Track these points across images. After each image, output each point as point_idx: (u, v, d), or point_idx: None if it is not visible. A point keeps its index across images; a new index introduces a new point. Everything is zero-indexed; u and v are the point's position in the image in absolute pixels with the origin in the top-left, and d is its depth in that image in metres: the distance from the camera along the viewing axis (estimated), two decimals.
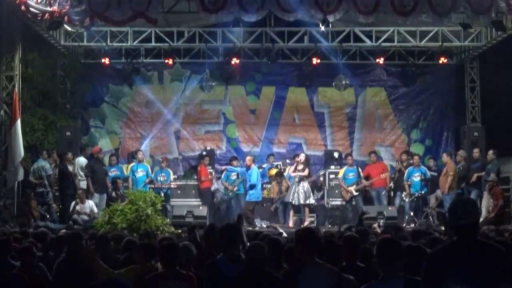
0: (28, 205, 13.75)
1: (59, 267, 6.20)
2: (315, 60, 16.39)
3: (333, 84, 16.99)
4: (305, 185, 14.55)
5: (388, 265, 4.09)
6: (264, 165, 15.91)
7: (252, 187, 14.71)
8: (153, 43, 16.66)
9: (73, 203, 13.62)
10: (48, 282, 6.13)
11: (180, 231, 10.94)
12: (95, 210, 13.59)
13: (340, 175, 15.29)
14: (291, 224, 14.59)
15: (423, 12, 13.11)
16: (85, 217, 13.38)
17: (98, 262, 5.81)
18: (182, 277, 5.31)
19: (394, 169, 16.06)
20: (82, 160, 14.60)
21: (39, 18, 13.16)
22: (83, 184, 14.31)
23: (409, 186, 14.71)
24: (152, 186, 14.76)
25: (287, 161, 16.20)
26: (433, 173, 15.20)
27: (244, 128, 18.07)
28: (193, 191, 15.80)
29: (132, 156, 16.19)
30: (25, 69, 15.16)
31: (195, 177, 16.09)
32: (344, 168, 15.35)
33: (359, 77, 17.72)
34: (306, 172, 14.67)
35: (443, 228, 10.85)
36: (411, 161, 15.06)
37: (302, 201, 14.44)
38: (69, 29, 16.04)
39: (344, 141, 18.00)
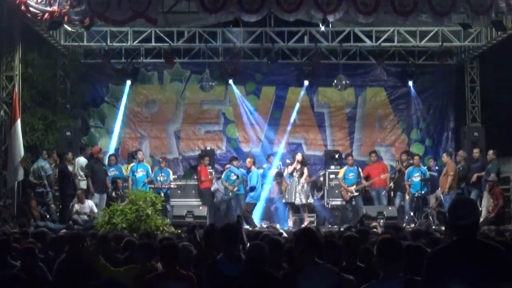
0: (28, 205, 13.75)
1: (60, 267, 6.20)
2: (315, 60, 16.38)
3: (333, 84, 16.99)
4: (305, 184, 14.60)
5: (388, 265, 4.09)
6: (265, 165, 15.90)
7: (252, 189, 14.69)
8: (153, 43, 16.66)
9: (71, 203, 13.62)
10: (48, 282, 6.12)
11: (179, 231, 10.94)
12: (95, 210, 13.59)
13: (340, 175, 15.29)
14: (291, 224, 14.60)
15: (423, 12, 13.11)
16: (85, 217, 13.38)
17: (100, 260, 5.82)
18: (182, 277, 5.31)
19: (394, 169, 16.07)
20: (82, 160, 14.60)
21: (39, 18, 13.15)
22: (83, 184, 14.31)
23: (409, 186, 14.71)
24: (152, 186, 14.75)
25: (287, 160, 16.20)
26: (433, 173, 15.20)
27: (244, 128, 18.06)
28: (193, 191, 15.79)
29: (132, 156, 16.19)
30: (25, 69, 15.16)
31: (195, 177, 16.08)
32: (344, 168, 15.35)
33: (359, 77, 17.71)
34: (306, 172, 14.71)
35: (443, 228, 10.86)
36: (411, 161, 15.07)
37: (304, 201, 14.52)
38: (69, 29, 16.03)
39: (344, 141, 18.00)
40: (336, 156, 16.39)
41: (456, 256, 3.50)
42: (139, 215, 11.53)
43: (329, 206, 15.84)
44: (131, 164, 15.47)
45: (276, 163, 16.10)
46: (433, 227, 12.87)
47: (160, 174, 15.02)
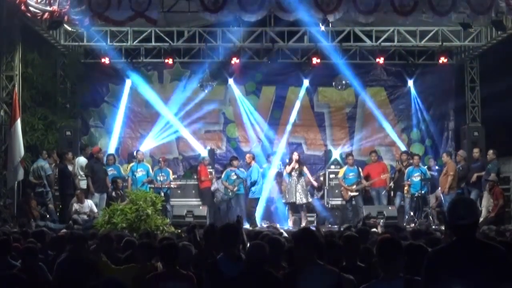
0: (28, 205, 13.75)
1: (61, 267, 6.21)
2: (315, 60, 16.39)
3: (333, 84, 16.97)
4: (303, 183, 14.68)
5: (388, 264, 4.09)
6: (265, 165, 15.90)
7: (253, 184, 14.72)
8: (153, 43, 16.66)
9: (70, 203, 13.63)
10: (48, 282, 6.13)
11: (180, 231, 10.94)
12: (95, 209, 13.59)
13: (340, 175, 15.29)
14: (291, 224, 14.61)
15: (423, 12, 13.10)
16: (85, 217, 13.39)
17: (102, 258, 5.83)
18: (182, 277, 5.31)
19: (394, 169, 16.06)
20: (82, 160, 14.60)
21: (39, 17, 13.16)
22: (83, 184, 14.32)
23: (409, 186, 14.71)
24: (152, 186, 14.75)
25: (286, 160, 16.22)
26: (433, 173, 15.20)
27: (244, 128, 18.06)
28: (193, 191, 15.79)
29: (132, 156, 16.19)
30: (25, 69, 15.16)
31: (195, 177, 16.08)
32: (345, 168, 15.35)
33: (359, 77, 17.71)
34: (308, 172, 14.78)
35: (443, 228, 10.86)
36: (411, 161, 15.07)
37: (304, 200, 14.59)
38: (69, 29, 16.03)
39: (344, 141, 18.00)
40: (336, 156, 16.40)
41: (456, 256, 3.49)
42: (139, 214, 11.54)
43: (329, 206, 15.85)
44: (131, 164, 15.48)
45: (276, 163, 16.11)
46: (433, 227, 12.87)
47: (160, 174, 15.01)
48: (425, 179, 14.53)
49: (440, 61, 16.61)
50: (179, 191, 15.64)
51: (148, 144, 17.56)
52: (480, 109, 17.39)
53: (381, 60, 16.70)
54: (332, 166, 16.21)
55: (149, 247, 5.95)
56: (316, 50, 16.51)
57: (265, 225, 14.49)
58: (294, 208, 14.85)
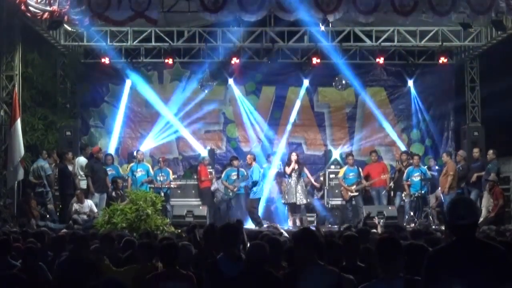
0: (28, 205, 13.75)
1: (62, 266, 6.21)
2: (315, 60, 16.39)
3: (333, 84, 16.97)
4: (303, 184, 14.75)
5: (388, 264, 4.08)
6: (264, 165, 15.90)
7: (255, 184, 14.72)
8: (153, 43, 16.66)
9: (70, 203, 13.63)
10: (48, 282, 6.13)
11: (180, 231, 10.94)
12: (95, 209, 13.59)
13: (340, 175, 15.29)
14: (291, 224, 14.61)
15: (423, 12, 13.10)
16: (85, 217, 13.39)
17: (105, 261, 5.83)
18: (182, 277, 5.31)
19: (394, 169, 16.06)
20: (82, 160, 14.60)
21: (39, 17, 13.15)
22: (83, 184, 14.32)
23: (409, 186, 14.71)
24: (152, 185, 14.75)
25: (287, 160, 16.21)
26: (433, 173, 15.20)
27: (244, 128, 18.06)
28: (193, 191, 15.80)
29: (132, 156, 16.19)
30: (25, 69, 15.16)
31: (195, 177, 16.09)
32: (345, 167, 15.36)
33: (359, 77, 17.70)
34: (308, 173, 14.79)
35: (443, 227, 10.86)
36: (411, 161, 15.07)
37: (304, 201, 14.62)
38: (69, 29, 16.03)
39: (344, 141, 17.99)
40: (336, 156, 16.40)
41: (456, 256, 3.49)
42: (139, 214, 11.54)
43: (329, 206, 15.85)
44: (131, 164, 15.48)
45: (276, 163, 16.11)
46: (433, 227, 12.87)
47: (160, 174, 15.01)
48: (425, 179, 14.53)
49: (440, 61, 16.60)
50: (179, 191, 15.64)
51: (148, 144, 17.56)
52: (480, 109, 17.39)
53: (381, 60, 16.69)
54: (332, 166, 16.21)
55: (150, 247, 5.96)
56: (316, 50, 16.51)
57: (265, 225, 14.50)
58: (294, 208, 14.84)
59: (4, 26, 14.07)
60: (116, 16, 12.80)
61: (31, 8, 12.81)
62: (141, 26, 15.35)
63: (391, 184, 15.36)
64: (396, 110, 18.08)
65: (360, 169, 15.32)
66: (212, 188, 15.70)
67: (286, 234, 9.96)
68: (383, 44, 16.54)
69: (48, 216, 14.17)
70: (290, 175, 14.69)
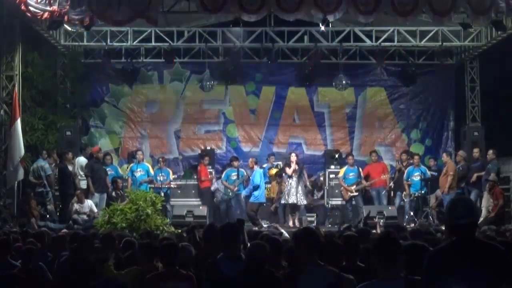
0: (28, 205, 13.75)
1: (63, 266, 6.21)
2: (315, 60, 16.38)
3: (333, 84, 16.99)
4: (303, 184, 14.80)
5: (387, 264, 4.08)
6: (265, 165, 15.92)
7: (256, 188, 14.69)
8: (153, 43, 16.67)
9: (71, 203, 13.63)
10: (48, 282, 6.13)
11: (180, 231, 10.94)
12: (95, 209, 13.59)
13: (340, 175, 15.29)
14: (291, 224, 14.61)
15: (423, 12, 13.11)
16: (85, 217, 13.39)
17: (110, 266, 5.84)
18: (182, 277, 5.31)
19: (394, 169, 16.07)
20: (82, 160, 14.60)
21: (39, 17, 13.15)
22: (83, 184, 14.32)
23: (409, 186, 14.71)
24: (152, 185, 14.75)
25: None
26: (433, 173, 15.21)
27: (244, 128, 18.07)
28: (193, 191, 15.80)
29: (132, 156, 16.20)
30: (25, 69, 15.16)
31: (195, 177, 16.09)
32: (345, 167, 15.35)
33: (359, 77, 17.71)
34: (306, 174, 14.78)
35: (443, 227, 10.85)
36: (411, 161, 15.07)
37: (305, 202, 14.63)
38: (69, 29, 16.04)
39: (344, 141, 18.00)
40: (336, 156, 16.39)
41: (456, 255, 3.49)
42: (139, 214, 11.54)
43: (329, 206, 15.85)
44: (131, 164, 15.49)
45: (276, 163, 16.09)
46: (433, 227, 12.85)
47: (160, 174, 15.01)
48: (425, 179, 14.54)
49: (440, 61, 16.59)
50: (179, 191, 15.65)
51: (148, 144, 17.56)
52: (480, 109, 17.39)
53: (381, 60, 16.68)
54: (332, 166, 16.21)
55: (151, 248, 5.95)
56: (316, 50, 16.51)
57: (265, 225, 14.49)
58: (294, 208, 14.83)
59: (4, 26, 14.07)
60: (116, 16, 12.79)
61: (31, 8, 12.81)
62: (141, 26, 15.35)
63: (391, 184, 15.36)
64: (396, 110, 18.08)
65: (360, 169, 15.32)
66: (212, 188, 15.71)
67: (286, 234, 9.96)
68: (383, 44, 16.54)
69: (48, 216, 14.17)
70: (291, 176, 14.68)
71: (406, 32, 16.32)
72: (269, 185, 15.90)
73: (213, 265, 5.09)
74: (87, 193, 13.96)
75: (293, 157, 14.78)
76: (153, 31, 16.30)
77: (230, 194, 15.24)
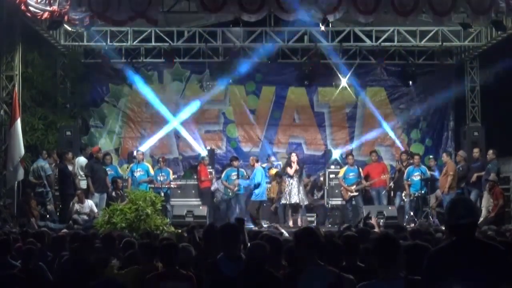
0: (28, 205, 13.75)
1: (63, 266, 6.21)
2: (315, 60, 16.37)
3: (333, 84, 16.97)
4: (303, 184, 14.81)
5: (387, 264, 4.08)
6: (264, 165, 15.91)
7: (257, 186, 14.71)
8: (153, 43, 16.67)
9: (71, 203, 13.63)
10: (48, 282, 6.13)
11: (180, 230, 10.93)
12: (95, 209, 13.59)
13: (340, 175, 15.29)
14: (291, 224, 14.61)
15: (423, 12, 13.12)
16: (85, 217, 13.39)
17: (113, 268, 5.84)
18: (182, 277, 5.31)
19: (394, 169, 16.07)
20: (82, 160, 14.60)
21: (39, 17, 13.16)
22: (83, 184, 14.31)
23: (409, 185, 14.71)
24: (152, 185, 14.75)
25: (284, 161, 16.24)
26: (433, 173, 15.20)
27: (244, 128, 18.07)
28: (193, 191, 15.80)
29: (132, 156, 16.20)
30: (25, 69, 15.16)
31: (195, 177, 16.09)
32: (345, 167, 15.36)
33: (359, 77, 17.71)
34: (304, 173, 14.81)
35: (443, 227, 10.84)
36: (411, 161, 15.07)
37: (306, 202, 14.65)
38: (69, 29, 16.04)
39: (344, 141, 18.00)
40: (336, 156, 16.40)
41: (456, 255, 3.49)
42: (139, 214, 11.53)
43: (329, 206, 15.85)
44: (131, 164, 15.49)
45: (276, 163, 16.09)
46: (433, 227, 12.85)
47: (160, 174, 15.00)
48: (425, 178, 14.53)
49: (440, 61, 16.58)
50: (179, 191, 15.65)
51: (148, 144, 17.57)
52: (480, 109, 17.39)
53: (381, 60, 16.68)
54: (332, 166, 16.21)
55: (151, 248, 5.96)
56: (316, 50, 16.50)
57: (265, 225, 14.49)
58: (295, 208, 14.84)
59: (4, 26, 14.07)
60: (116, 16, 12.80)
61: (31, 8, 12.81)
62: (141, 26, 15.35)
63: (391, 184, 15.36)
64: (396, 110, 18.09)
65: (360, 169, 15.32)
66: (212, 188, 15.71)
67: (286, 234, 9.95)
68: (383, 44, 16.54)
69: (48, 216, 14.17)
70: (292, 176, 14.68)
71: (406, 32, 16.32)
72: (269, 185, 15.90)
73: (213, 265, 5.08)
74: (87, 193, 13.96)
75: (294, 157, 14.78)
76: (153, 31, 16.30)
77: (230, 194, 15.24)
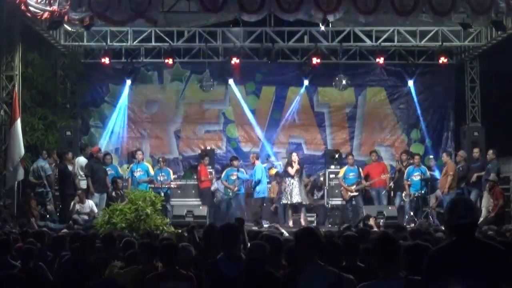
0: (28, 205, 13.75)
1: (64, 267, 6.20)
2: (315, 60, 16.38)
3: (333, 84, 16.98)
4: (303, 184, 14.80)
5: (387, 264, 4.08)
6: (264, 165, 15.91)
7: (257, 183, 14.72)
8: (153, 43, 16.67)
9: (72, 203, 13.63)
10: (48, 282, 6.13)
11: (181, 230, 10.92)
12: (95, 210, 13.59)
13: (340, 175, 15.29)
14: (291, 224, 14.61)
15: (423, 12, 13.11)
16: (85, 217, 13.39)
17: (114, 267, 5.84)
18: (182, 277, 5.31)
19: (394, 169, 16.07)
20: (82, 160, 14.59)
21: (39, 17, 13.15)
22: (83, 184, 14.31)
23: (409, 185, 14.71)
24: (152, 185, 14.75)
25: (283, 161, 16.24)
26: (433, 173, 15.20)
27: (244, 128, 18.07)
28: (193, 191, 15.80)
29: (132, 156, 16.20)
30: (25, 69, 15.16)
31: (195, 177, 16.09)
32: (345, 167, 15.36)
33: (359, 77, 17.71)
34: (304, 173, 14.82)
35: (443, 227, 10.85)
36: (411, 161, 15.06)
37: (307, 201, 14.68)
38: (69, 29, 16.05)
39: (344, 141, 18.00)
40: (336, 155, 16.39)
41: (456, 255, 3.49)
42: (139, 214, 11.52)
43: (329, 206, 15.85)
44: (131, 164, 15.49)
45: (276, 163, 16.09)
46: (433, 227, 12.86)
47: (160, 174, 15.00)
48: (425, 178, 14.53)
49: (440, 61, 16.60)
50: (179, 191, 15.65)
51: (148, 144, 17.56)
52: (480, 109, 17.40)
53: (381, 60, 16.67)
54: (332, 166, 16.21)
55: (151, 248, 5.96)
56: (316, 50, 16.50)
57: (266, 225, 14.49)
58: (295, 208, 14.84)
59: (4, 26, 14.07)
60: (116, 16, 12.79)
61: (31, 8, 12.81)
62: (141, 26, 15.34)
63: (391, 184, 15.36)
64: (396, 110, 18.09)
65: (360, 169, 15.32)
66: (212, 188, 15.72)
67: (287, 234, 9.96)
68: (383, 44, 16.55)
69: (48, 216, 14.16)
70: (293, 176, 14.67)
71: (406, 32, 16.33)
72: (269, 185, 15.91)
73: (213, 265, 5.08)
74: (87, 193, 13.96)
75: (295, 157, 14.76)
76: (153, 31, 16.30)
77: (230, 194, 15.25)
